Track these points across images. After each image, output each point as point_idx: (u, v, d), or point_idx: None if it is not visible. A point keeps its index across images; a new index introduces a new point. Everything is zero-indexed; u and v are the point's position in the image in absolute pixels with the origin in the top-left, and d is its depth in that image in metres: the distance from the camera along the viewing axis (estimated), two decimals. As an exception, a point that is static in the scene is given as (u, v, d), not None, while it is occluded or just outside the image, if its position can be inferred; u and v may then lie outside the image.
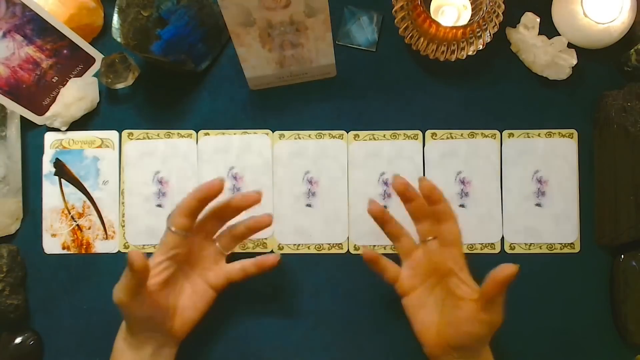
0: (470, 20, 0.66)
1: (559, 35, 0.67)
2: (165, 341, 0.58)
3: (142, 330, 0.57)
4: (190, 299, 0.59)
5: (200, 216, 0.59)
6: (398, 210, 0.67)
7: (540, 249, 0.67)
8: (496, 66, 0.69)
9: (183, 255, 0.58)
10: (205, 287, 0.60)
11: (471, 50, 0.66)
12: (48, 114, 0.67)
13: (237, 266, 0.61)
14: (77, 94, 0.66)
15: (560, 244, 0.67)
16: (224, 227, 0.61)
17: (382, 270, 0.60)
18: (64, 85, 0.67)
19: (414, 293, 0.59)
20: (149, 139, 0.68)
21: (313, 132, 0.68)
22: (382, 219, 0.59)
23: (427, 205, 0.57)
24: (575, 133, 0.68)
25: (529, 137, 0.68)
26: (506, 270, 0.51)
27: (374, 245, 0.67)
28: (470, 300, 0.54)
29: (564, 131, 0.68)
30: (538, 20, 0.66)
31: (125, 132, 0.68)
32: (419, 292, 0.59)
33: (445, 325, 0.56)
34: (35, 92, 0.65)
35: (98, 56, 0.68)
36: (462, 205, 0.67)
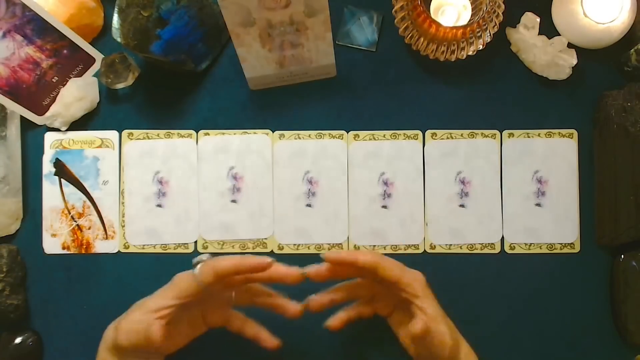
0: (470, 20, 0.66)
1: (559, 35, 0.67)
2: (150, 357, 0.57)
3: (130, 353, 0.55)
4: (183, 328, 0.58)
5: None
6: (398, 211, 0.67)
7: (540, 249, 0.67)
8: (496, 66, 0.69)
9: (195, 301, 0.56)
10: (200, 323, 0.59)
11: (471, 50, 0.66)
12: (48, 114, 0.67)
13: (238, 323, 0.59)
14: (77, 94, 0.66)
15: (560, 244, 0.67)
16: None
17: (358, 317, 0.60)
18: (64, 85, 0.67)
19: (393, 315, 0.60)
20: (149, 139, 0.68)
21: (313, 132, 0.68)
22: (336, 275, 0.58)
23: (345, 272, 0.57)
24: (575, 133, 0.68)
25: (529, 137, 0.68)
26: (414, 329, 0.54)
27: (374, 246, 0.67)
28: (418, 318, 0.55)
29: (564, 131, 0.68)
30: (538, 20, 0.66)
31: (125, 132, 0.68)
32: (396, 314, 0.60)
33: (415, 345, 0.58)
34: (35, 92, 0.65)
35: (98, 56, 0.68)
36: (462, 205, 0.67)
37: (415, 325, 0.54)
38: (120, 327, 0.54)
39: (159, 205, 0.67)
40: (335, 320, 0.59)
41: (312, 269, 0.57)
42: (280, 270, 0.57)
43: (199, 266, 0.54)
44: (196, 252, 0.67)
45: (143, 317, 0.54)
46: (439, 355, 0.55)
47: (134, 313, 0.55)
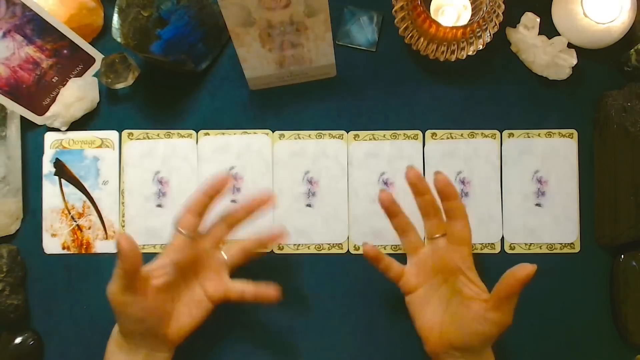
0: (470, 20, 0.66)
1: (559, 35, 0.67)
2: (159, 346, 0.57)
3: (134, 334, 0.56)
4: (186, 307, 0.58)
5: (210, 222, 0.58)
6: (403, 207, 0.67)
7: (540, 249, 0.67)
8: (496, 66, 0.69)
9: (188, 261, 0.57)
10: (202, 298, 0.59)
11: (471, 50, 0.66)
12: (48, 114, 0.67)
13: (238, 287, 0.59)
14: (77, 94, 0.66)
15: (560, 244, 0.67)
16: (236, 240, 0.60)
17: (385, 268, 0.59)
18: (64, 85, 0.67)
19: (419, 291, 0.58)
20: (149, 139, 0.68)
21: (313, 132, 0.68)
22: (392, 210, 0.59)
23: (437, 201, 0.57)
24: (575, 133, 0.68)
25: (529, 137, 0.68)
26: (526, 269, 0.50)
27: (374, 245, 0.67)
28: (479, 299, 0.54)
29: (564, 131, 0.68)
30: (538, 20, 0.66)
31: (125, 132, 0.68)
32: (424, 290, 0.58)
33: (450, 325, 0.56)
34: (35, 92, 0.65)
35: (98, 56, 0.68)
36: (462, 205, 0.67)
37: (527, 267, 0.51)
38: (107, 290, 0.55)
39: (159, 205, 0.67)
40: (372, 250, 0.59)
41: (416, 172, 0.57)
42: (248, 198, 0.58)
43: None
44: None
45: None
46: (485, 334, 0.53)
47: None
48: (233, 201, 0.67)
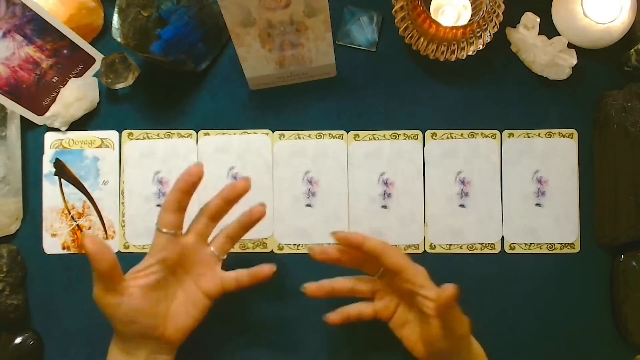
0: (470, 20, 0.66)
1: (559, 35, 0.67)
2: (159, 347, 0.56)
3: (130, 335, 0.55)
4: (183, 306, 0.57)
5: (194, 218, 0.58)
6: (398, 211, 0.67)
7: (540, 249, 0.67)
8: (496, 66, 0.69)
9: (175, 259, 0.57)
10: (198, 295, 0.58)
11: (471, 50, 0.66)
12: (48, 114, 0.67)
13: (232, 275, 0.59)
14: (77, 94, 0.66)
15: (560, 244, 0.67)
16: (218, 230, 0.60)
17: (358, 318, 0.59)
18: (64, 85, 0.67)
19: (394, 316, 0.59)
20: (149, 139, 0.68)
21: (313, 132, 0.68)
22: (325, 289, 0.58)
23: (352, 251, 0.57)
24: (575, 133, 0.68)
25: (529, 137, 0.68)
26: (446, 292, 0.51)
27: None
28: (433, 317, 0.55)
29: (564, 131, 0.68)
30: (538, 20, 0.66)
31: (125, 132, 0.68)
32: (398, 314, 0.59)
33: (426, 339, 0.57)
34: (35, 92, 0.65)
35: (98, 56, 0.68)
36: (462, 205, 0.67)
37: (446, 290, 0.51)
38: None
39: (159, 206, 0.67)
40: (336, 315, 0.59)
41: (318, 247, 0.57)
42: (225, 188, 0.58)
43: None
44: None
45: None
46: (454, 341, 0.54)
47: None
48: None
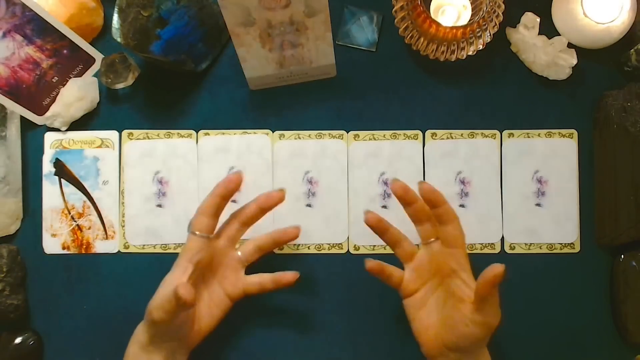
0: (470, 20, 0.66)
1: (559, 35, 0.67)
2: (178, 348, 0.57)
3: (164, 339, 0.56)
4: (207, 307, 0.59)
5: (224, 221, 0.59)
6: (398, 211, 0.67)
7: (540, 249, 0.67)
8: (496, 66, 0.69)
9: (206, 262, 0.58)
10: (222, 296, 0.59)
11: (471, 50, 0.66)
12: (48, 114, 0.67)
13: (255, 279, 0.60)
14: (77, 94, 0.66)
15: (560, 244, 0.67)
16: (250, 238, 0.61)
17: (387, 278, 0.59)
18: (64, 85, 0.67)
19: (416, 294, 0.59)
20: (149, 139, 0.68)
21: (313, 132, 0.68)
22: (380, 228, 0.59)
23: (427, 207, 0.57)
24: (575, 133, 0.68)
25: (529, 137, 0.68)
26: (494, 270, 0.51)
27: (374, 246, 0.67)
28: (468, 302, 0.54)
29: (564, 131, 0.68)
30: (538, 20, 0.66)
31: (125, 132, 0.68)
32: (421, 293, 0.59)
33: (442, 326, 0.56)
34: (35, 92, 0.65)
35: (98, 56, 0.68)
36: (462, 205, 0.67)
37: (494, 268, 0.51)
38: (150, 306, 0.54)
39: (159, 205, 0.67)
40: (374, 263, 0.58)
41: (402, 184, 0.57)
42: (261, 196, 0.59)
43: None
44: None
45: (167, 289, 0.54)
46: (483, 329, 0.53)
47: (158, 291, 0.55)
48: (233, 201, 0.67)
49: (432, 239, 0.59)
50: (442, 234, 0.57)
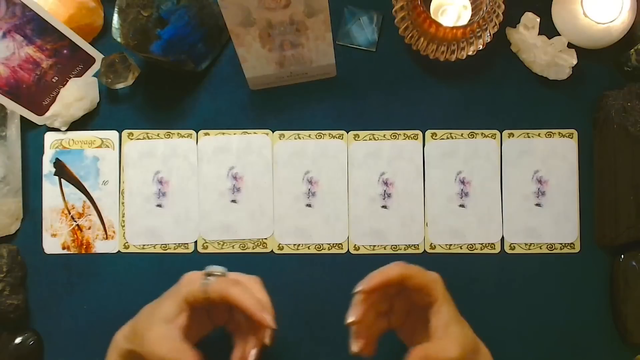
0: (470, 20, 0.66)
1: (559, 35, 0.67)
2: None
3: (137, 355, 0.54)
4: (190, 330, 0.56)
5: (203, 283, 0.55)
6: (399, 210, 0.67)
7: (540, 249, 0.67)
8: (496, 66, 0.69)
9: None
10: (206, 322, 0.58)
11: (471, 50, 0.66)
12: (48, 114, 0.67)
13: (238, 316, 0.58)
14: (77, 94, 0.66)
15: (560, 244, 0.67)
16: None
17: (379, 334, 0.58)
18: (64, 85, 0.67)
19: (403, 326, 0.58)
20: (149, 139, 0.68)
21: (313, 132, 0.68)
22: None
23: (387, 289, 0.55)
24: (575, 133, 0.68)
25: (529, 137, 0.68)
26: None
27: (374, 246, 0.67)
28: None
29: (564, 131, 0.68)
30: (538, 20, 0.66)
31: (125, 132, 0.68)
32: (407, 324, 0.58)
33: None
34: (35, 92, 0.65)
35: (98, 56, 0.68)
36: (462, 205, 0.67)
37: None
38: (148, 340, 0.52)
39: (159, 205, 0.67)
40: (364, 344, 0.55)
41: (354, 311, 0.54)
42: (257, 310, 0.54)
43: (212, 279, 0.53)
44: (196, 252, 0.67)
45: (168, 331, 0.52)
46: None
47: (155, 327, 0.53)
48: (233, 201, 0.67)
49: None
50: (409, 288, 0.54)
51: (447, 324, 0.53)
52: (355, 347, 0.55)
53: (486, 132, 0.68)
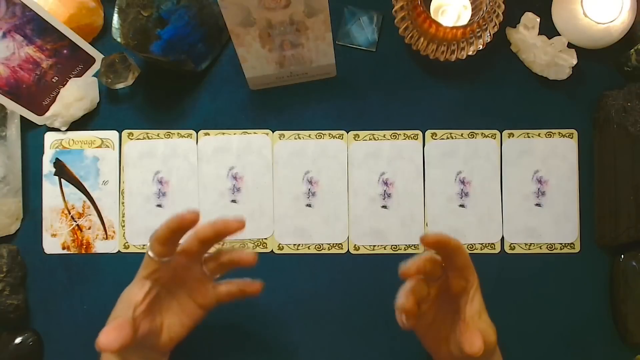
0: (470, 20, 0.66)
1: (559, 35, 0.67)
2: (152, 354, 0.57)
3: (131, 352, 0.55)
4: (177, 316, 0.57)
5: (185, 239, 0.55)
6: (399, 210, 0.67)
7: (540, 249, 0.67)
8: (496, 66, 0.69)
9: (166, 278, 0.56)
10: (193, 307, 0.58)
11: (471, 50, 0.66)
12: (48, 114, 0.67)
13: (224, 288, 0.58)
14: (77, 94, 0.66)
15: (560, 244, 0.67)
16: (213, 251, 0.58)
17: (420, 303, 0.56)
18: (64, 85, 0.67)
19: (423, 315, 0.57)
20: (149, 139, 0.68)
21: (313, 132, 0.68)
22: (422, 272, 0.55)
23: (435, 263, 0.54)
24: (575, 133, 0.68)
25: (529, 137, 0.68)
26: (475, 345, 0.51)
27: (374, 246, 0.67)
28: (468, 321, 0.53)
29: (564, 131, 0.68)
30: (538, 20, 0.66)
31: (125, 132, 0.68)
32: (427, 312, 0.57)
33: (452, 342, 0.55)
34: (35, 92, 0.65)
35: (98, 56, 0.68)
36: (462, 205, 0.67)
37: (475, 344, 0.51)
38: (108, 321, 0.54)
39: (159, 205, 0.67)
40: (408, 300, 0.54)
41: (412, 266, 0.53)
42: (219, 222, 0.54)
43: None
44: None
45: (122, 309, 0.53)
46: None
47: (116, 306, 0.55)
48: (233, 201, 0.67)
49: (438, 276, 0.56)
50: (452, 264, 0.54)
51: (480, 311, 0.54)
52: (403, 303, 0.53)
53: (486, 132, 0.68)
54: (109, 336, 0.50)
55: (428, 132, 0.68)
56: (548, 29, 0.67)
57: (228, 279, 0.58)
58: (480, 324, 0.54)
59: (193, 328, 0.58)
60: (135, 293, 0.54)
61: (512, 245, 0.67)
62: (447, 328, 0.56)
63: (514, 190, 0.67)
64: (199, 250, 0.56)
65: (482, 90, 0.68)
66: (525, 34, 0.66)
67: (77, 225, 0.67)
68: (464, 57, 0.66)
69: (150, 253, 0.54)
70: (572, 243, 0.67)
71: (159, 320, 0.56)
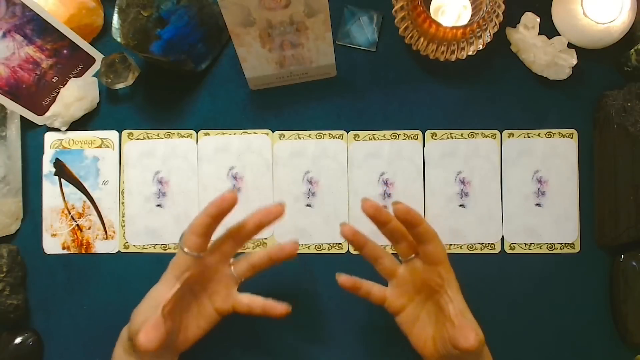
0: (470, 20, 0.66)
1: (559, 35, 0.67)
2: (164, 354, 0.56)
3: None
4: (194, 319, 0.57)
5: (216, 237, 0.56)
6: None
7: (540, 249, 0.67)
8: (496, 66, 0.69)
9: (195, 277, 0.56)
10: (211, 311, 0.58)
11: (471, 50, 0.66)
12: (48, 114, 0.67)
13: (245, 300, 0.58)
14: (77, 94, 0.66)
15: (560, 244, 0.67)
16: (244, 254, 0.58)
17: (365, 294, 0.58)
18: (64, 85, 0.67)
19: (406, 310, 0.58)
20: (149, 139, 0.68)
21: (313, 132, 0.68)
22: (356, 242, 0.57)
23: (402, 226, 0.55)
24: (575, 133, 0.68)
25: (529, 137, 0.68)
26: (469, 341, 0.52)
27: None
28: (452, 323, 0.54)
29: (564, 131, 0.68)
30: (538, 20, 0.66)
31: (125, 132, 0.68)
32: (410, 309, 0.58)
33: (438, 340, 0.55)
34: (35, 92, 0.65)
35: (98, 56, 0.68)
36: (462, 205, 0.67)
37: (469, 339, 0.51)
38: (132, 320, 0.54)
39: (159, 205, 0.67)
40: (347, 278, 0.57)
41: (373, 203, 0.54)
42: (257, 213, 0.56)
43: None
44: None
45: (149, 308, 0.53)
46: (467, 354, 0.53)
47: (142, 304, 0.55)
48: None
49: (412, 256, 0.57)
50: (423, 252, 0.55)
51: (463, 311, 0.54)
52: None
53: (486, 132, 0.68)
54: (149, 335, 0.50)
55: (428, 132, 0.68)
56: (548, 29, 0.67)
57: (252, 294, 0.58)
58: (467, 322, 0.54)
59: (207, 331, 0.58)
60: (164, 292, 0.54)
61: (512, 245, 0.67)
62: (432, 327, 0.56)
63: (514, 190, 0.67)
64: (232, 249, 0.57)
65: (482, 90, 0.68)
66: (525, 34, 0.66)
67: (77, 225, 0.67)
68: (464, 57, 0.66)
69: (185, 249, 0.54)
70: (572, 243, 0.67)
71: (178, 321, 0.56)
